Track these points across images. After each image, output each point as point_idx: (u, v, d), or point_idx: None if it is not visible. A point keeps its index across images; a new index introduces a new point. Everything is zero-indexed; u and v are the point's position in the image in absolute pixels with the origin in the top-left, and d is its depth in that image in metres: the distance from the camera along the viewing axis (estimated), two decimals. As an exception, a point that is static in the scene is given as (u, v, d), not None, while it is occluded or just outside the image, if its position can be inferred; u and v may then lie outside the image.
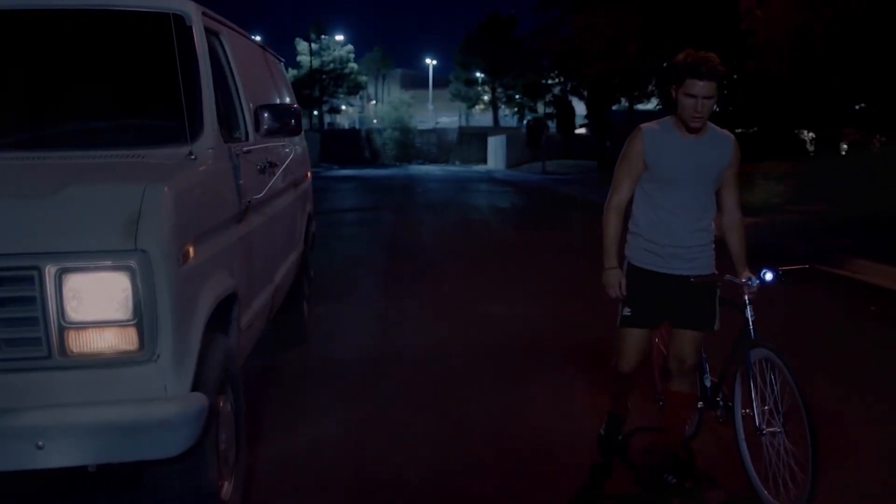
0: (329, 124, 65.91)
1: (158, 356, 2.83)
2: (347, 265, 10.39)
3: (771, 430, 3.57)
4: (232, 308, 3.64)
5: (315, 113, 59.71)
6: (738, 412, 3.81)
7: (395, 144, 61.22)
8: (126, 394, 2.82)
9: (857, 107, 17.34)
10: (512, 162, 45.89)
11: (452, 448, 4.39)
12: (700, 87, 3.42)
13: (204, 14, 3.92)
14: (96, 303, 2.76)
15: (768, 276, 3.62)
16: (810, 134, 17.97)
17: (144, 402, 2.82)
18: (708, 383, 3.98)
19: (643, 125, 3.73)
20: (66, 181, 2.90)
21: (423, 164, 57.03)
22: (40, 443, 2.68)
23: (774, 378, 3.55)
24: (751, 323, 3.65)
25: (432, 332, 6.75)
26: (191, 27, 3.72)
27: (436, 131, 65.67)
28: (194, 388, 2.98)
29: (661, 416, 4.17)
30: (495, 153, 50.48)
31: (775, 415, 3.56)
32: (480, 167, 50.28)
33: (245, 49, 4.93)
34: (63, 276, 2.72)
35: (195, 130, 3.49)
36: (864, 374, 5.38)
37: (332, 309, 7.47)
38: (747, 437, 3.77)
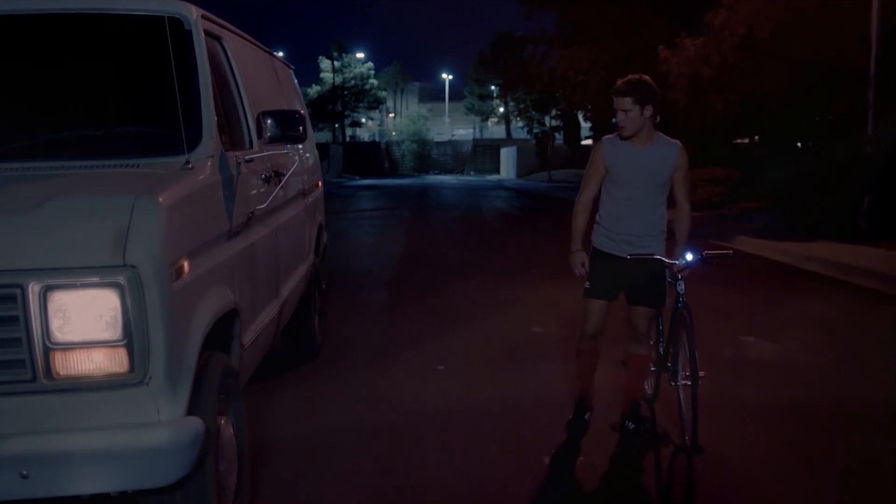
0: (351, 137, 65.63)
1: (150, 378, 2.53)
2: (372, 241, 14.29)
3: (684, 382, 4.09)
4: (233, 325, 3.31)
5: (337, 126, 59.52)
6: (679, 371, 4.18)
7: (413, 156, 61.32)
8: (116, 419, 2.52)
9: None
10: (523, 171, 45.91)
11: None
12: (616, 101, 3.97)
13: (204, 17, 3.57)
14: (83, 322, 2.47)
15: (689, 257, 4.06)
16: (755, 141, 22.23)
17: (135, 428, 2.52)
18: (661, 350, 4.40)
19: (605, 137, 4.24)
20: (53, 193, 2.59)
21: (439, 174, 57.26)
22: (24, 472, 2.40)
23: (688, 337, 4.00)
24: (681, 295, 4.08)
25: (431, 278, 9.85)
26: (190, 31, 3.38)
27: (451, 143, 65.39)
28: (190, 411, 2.68)
29: (625, 375, 4.53)
30: (507, 163, 50.45)
31: (688, 368, 3.98)
32: (493, 177, 50.40)
33: (249, 54, 4.58)
34: (48, 294, 2.43)
35: (193, 138, 3.15)
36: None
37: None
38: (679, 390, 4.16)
